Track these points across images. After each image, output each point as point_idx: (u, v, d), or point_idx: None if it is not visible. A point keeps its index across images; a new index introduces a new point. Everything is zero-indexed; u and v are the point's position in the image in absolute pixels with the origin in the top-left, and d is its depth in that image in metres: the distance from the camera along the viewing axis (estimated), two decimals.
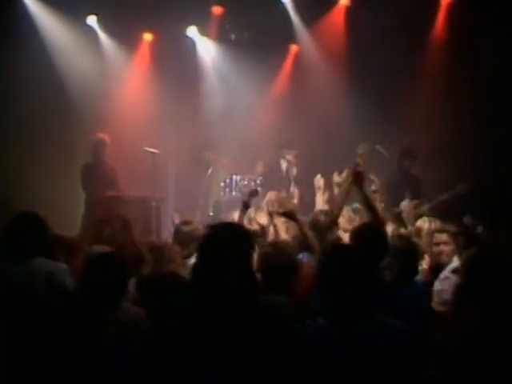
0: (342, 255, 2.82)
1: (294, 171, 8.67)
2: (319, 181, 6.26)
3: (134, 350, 3.34)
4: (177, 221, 5.71)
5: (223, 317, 2.56)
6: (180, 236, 5.09)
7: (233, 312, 2.54)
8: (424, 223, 5.28)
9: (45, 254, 4.15)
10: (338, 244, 3.62)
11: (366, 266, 2.83)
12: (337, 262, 2.79)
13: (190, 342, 2.62)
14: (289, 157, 8.67)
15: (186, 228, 5.14)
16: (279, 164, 8.76)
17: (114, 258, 3.59)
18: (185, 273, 4.62)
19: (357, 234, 3.82)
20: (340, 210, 4.48)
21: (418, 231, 5.30)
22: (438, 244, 4.61)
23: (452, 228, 4.63)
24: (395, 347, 2.75)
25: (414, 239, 4.80)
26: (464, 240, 4.47)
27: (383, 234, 3.90)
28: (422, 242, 4.93)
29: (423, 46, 9.10)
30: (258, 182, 8.94)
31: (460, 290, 2.93)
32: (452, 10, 9.02)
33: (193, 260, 4.82)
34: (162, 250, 4.76)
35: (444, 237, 4.63)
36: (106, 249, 4.16)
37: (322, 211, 4.36)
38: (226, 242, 2.61)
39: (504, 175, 8.05)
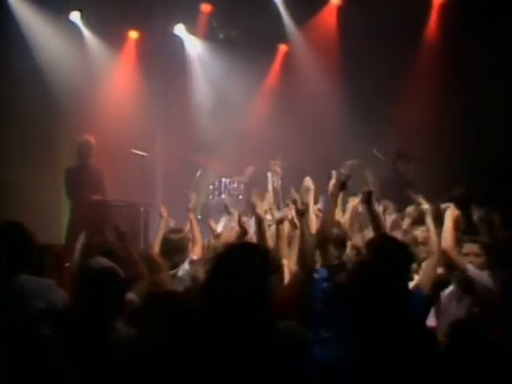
0: (368, 275, 2.62)
1: (279, 183, 8.37)
2: (309, 181, 5.99)
3: (129, 374, 3.13)
4: (164, 213, 5.47)
5: (234, 339, 2.36)
6: (168, 244, 4.94)
7: (244, 334, 2.33)
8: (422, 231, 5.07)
9: (32, 267, 3.88)
10: (362, 262, 3.39)
11: (392, 287, 2.66)
12: (362, 283, 2.58)
13: (197, 364, 2.41)
14: (276, 168, 8.38)
15: (174, 236, 4.98)
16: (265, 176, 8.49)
17: (111, 275, 3.36)
18: (173, 284, 4.46)
19: (380, 250, 3.61)
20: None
21: (415, 239, 5.11)
22: (467, 255, 4.31)
23: (484, 239, 4.38)
24: (413, 367, 2.61)
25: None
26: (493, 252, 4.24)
27: (409, 251, 3.74)
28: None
29: (416, 46, 9.01)
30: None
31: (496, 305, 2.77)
32: (444, 10, 8.96)
33: (180, 272, 4.66)
34: (151, 259, 4.56)
35: (474, 248, 4.35)
36: (104, 261, 3.92)
37: (335, 223, 4.11)
38: (243, 261, 2.40)
39: (500, 175, 7.99)
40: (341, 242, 3.92)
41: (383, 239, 3.82)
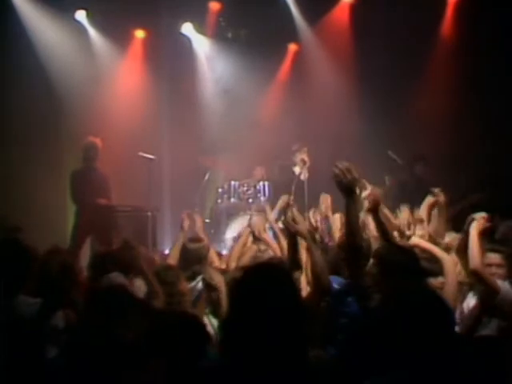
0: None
1: (306, 174, 7.97)
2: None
3: None
4: (186, 226, 5.23)
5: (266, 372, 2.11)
6: (187, 254, 4.73)
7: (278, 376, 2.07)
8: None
9: (34, 282, 3.65)
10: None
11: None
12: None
13: None
14: (303, 157, 7.95)
15: (192, 246, 4.75)
16: (291, 169, 8.13)
17: (122, 295, 3.13)
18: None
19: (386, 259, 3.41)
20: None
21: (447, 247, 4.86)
22: (489, 265, 4.01)
23: (506, 249, 4.11)
24: None
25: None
26: None
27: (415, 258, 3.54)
28: None
29: (430, 44, 8.87)
30: (258, 187, 8.53)
31: None
32: (459, 8, 8.82)
33: (200, 284, 4.42)
34: (169, 271, 4.32)
35: (497, 258, 4.06)
36: (119, 279, 3.69)
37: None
38: (264, 290, 2.13)
39: None
40: (368, 253, 3.68)
41: (387, 248, 3.62)
